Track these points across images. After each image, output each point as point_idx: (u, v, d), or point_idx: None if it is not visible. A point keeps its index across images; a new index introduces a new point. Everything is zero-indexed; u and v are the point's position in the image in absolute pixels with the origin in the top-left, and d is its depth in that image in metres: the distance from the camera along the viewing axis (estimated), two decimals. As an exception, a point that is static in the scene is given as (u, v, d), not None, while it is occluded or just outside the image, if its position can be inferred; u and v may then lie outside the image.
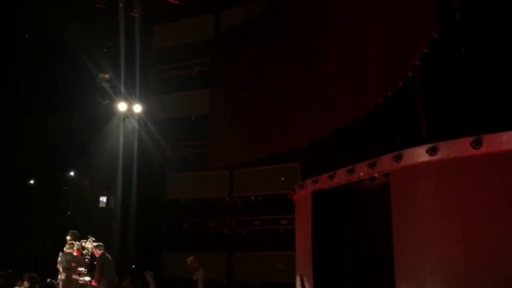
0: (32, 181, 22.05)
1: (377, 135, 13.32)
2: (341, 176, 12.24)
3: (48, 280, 11.51)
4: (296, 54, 15.44)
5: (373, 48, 12.17)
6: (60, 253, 10.06)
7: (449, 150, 9.55)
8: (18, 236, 18.31)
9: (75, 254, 10.00)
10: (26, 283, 13.35)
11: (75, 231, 10.68)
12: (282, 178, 17.30)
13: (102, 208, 21.12)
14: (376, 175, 11.25)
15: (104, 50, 19.57)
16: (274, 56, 16.28)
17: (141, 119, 19.74)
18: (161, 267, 19.10)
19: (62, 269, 9.89)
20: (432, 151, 9.62)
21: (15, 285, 12.66)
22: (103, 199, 21.06)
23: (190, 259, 13.06)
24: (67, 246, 10.04)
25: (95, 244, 10.13)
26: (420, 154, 9.95)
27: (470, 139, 9.13)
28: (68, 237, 10.54)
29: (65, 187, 22.04)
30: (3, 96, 18.97)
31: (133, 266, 19.46)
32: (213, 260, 18.34)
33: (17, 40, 18.95)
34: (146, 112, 19.76)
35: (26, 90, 18.82)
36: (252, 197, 18.29)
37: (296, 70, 15.24)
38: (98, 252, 9.99)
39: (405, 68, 11.02)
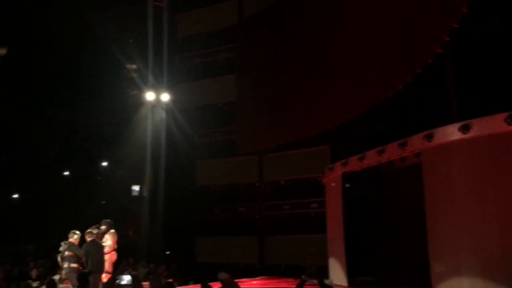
0: (66, 173, 22.62)
1: (406, 115, 13.13)
2: (371, 158, 12.17)
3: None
4: (321, 36, 15.27)
5: (401, 25, 11.93)
6: (62, 243, 10.09)
7: (482, 127, 9.38)
8: (53, 226, 18.83)
9: (75, 243, 9.96)
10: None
11: (108, 220, 10.82)
12: (310, 162, 17.24)
13: (134, 196, 21.51)
14: (407, 155, 11.14)
15: (131, 40, 19.77)
16: (299, 40, 16.13)
17: (168, 108, 19.93)
18: (194, 253, 19.41)
19: (60, 258, 9.91)
20: (464, 129, 9.47)
21: (55, 274, 13.04)
22: (136, 188, 21.44)
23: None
24: (70, 235, 10.04)
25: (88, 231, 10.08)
26: (452, 132, 9.80)
27: (504, 115, 8.95)
28: (102, 227, 10.67)
29: (98, 177, 22.54)
30: (34, 91, 19.45)
31: (167, 252, 19.84)
32: (244, 245, 18.56)
33: (46, 33, 19.31)
34: (173, 100, 19.93)
35: (57, 84, 19.21)
36: (282, 182, 18.33)
37: (322, 52, 15.08)
38: (87, 239, 9.71)
39: (434, 44, 10.78)
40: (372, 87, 13.25)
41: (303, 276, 5.38)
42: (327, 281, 12.67)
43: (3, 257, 16.73)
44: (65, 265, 9.55)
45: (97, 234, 9.87)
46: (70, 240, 9.85)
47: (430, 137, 10.14)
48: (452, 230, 9.71)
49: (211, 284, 5.56)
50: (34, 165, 20.71)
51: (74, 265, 9.47)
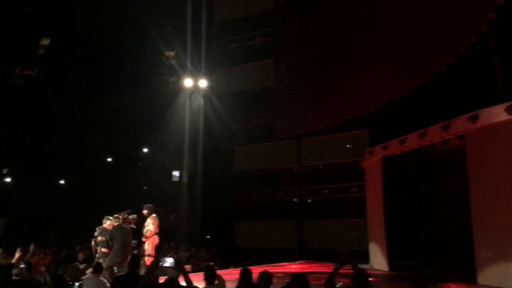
0: (109, 159, 23.23)
1: (449, 97, 12.74)
2: (412, 141, 11.92)
3: (135, 252, 12.13)
4: (360, 17, 14.94)
5: (444, 3, 11.52)
6: (97, 228, 10.37)
7: (530, 107, 8.99)
8: (98, 211, 19.43)
9: (108, 228, 10.21)
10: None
11: (150, 205, 11.05)
12: (349, 146, 17.02)
13: (175, 182, 21.88)
14: (451, 138, 10.83)
15: (168, 28, 19.93)
16: (336, 22, 15.83)
17: (206, 94, 20.08)
18: (233, 237, 19.63)
19: (94, 243, 10.21)
20: (511, 110, 9.10)
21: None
22: (176, 173, 21.78)
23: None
24: (103, 220, 10.33)
25: (115, 216, 10.31)
26: (498, 113, 9.45)
27: (554, 94, 8.54)
28: (144, 211, 10.93)
29: (140, 163, 23.03)
30: (77, 78, 19.96)
31: (208, 236, 20.15)
32: (284, 229, 18.61)
33: (86, 23, 19.72)
34: (211, 86, 20.05)
35: (99, 71, 19.64)
36: (320, 166, 18.21)
37: (361, 34, 14.76)
38: (114, 224, 10.10)
39: (479, 22, 10.35)
40: (413, 68, 12.89)
41: (336, 265, 5.27)
42: (366, 266, 12.60)
43: (51, 241, 17.44)
44: (98, 249, 9.88)
45: (123, 219, 10.13)
46: (104, 225, 10.17)
47: (474, 118, 9.82)
48: (498, 215, 9.41)
49: (251, 268, 5.57)
50: (79, 152, 21.34)
51: (104, 249, 9.80)
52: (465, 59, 11.19)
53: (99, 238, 10.00)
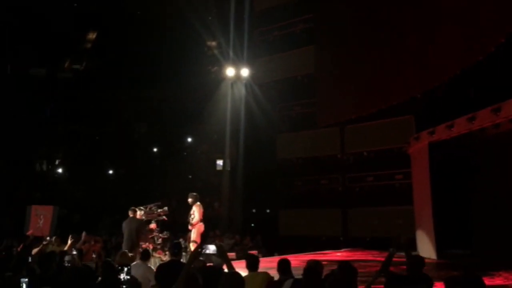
0: (154, 149, 23.75)
1: (498, 79, 12.20)
2: (461, 125, 11.53)
3: (181, 240, 12.40)
4: (405, 2, 14.53)
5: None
6: None
7: None
8: (145, 199, 19.94)
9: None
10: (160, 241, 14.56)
11: (194, 193, 11.23)
12: (394, 132, 16.64)
13: (219, 171, 22.13)
14: (502, 121, 10.40)
15: (210, 18, 20.04)
16: (379, 5, 15.45)
17: (248, 83, 20.11)
18: (277, 225, 19.69)
19: None
20: None
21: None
22: (220, 162, 22.02)
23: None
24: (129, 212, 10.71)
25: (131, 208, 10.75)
26: (552, 95, 8.98)
27: None
28: (189, 199, 11.12)
29: (184, 153, 23.42)
30: (123, 71, 20.46)
31: (252, 225, 20.31)
32: (328, 217, 18.49)
33: (131, 16, 20.14)
34: (252, 75, 20.06)
35: (142, 64, 20.04)
36: (365, 153, 17.89)
37: (407, 16, 14.35)
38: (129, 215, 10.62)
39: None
40: (461, 50, 12.44)
41: (391, 249, 5.16)
42: (414, 254, 12.34)
43: (102, 229, 18.07)
44: None
45: (146, 212, 10.72)
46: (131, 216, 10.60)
47: (527, 101, 9.38)
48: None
49: (292, 256, 5.57)
50: (126, 142, 21.94)
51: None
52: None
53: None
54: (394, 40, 14.74)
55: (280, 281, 5.22)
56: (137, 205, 11.13)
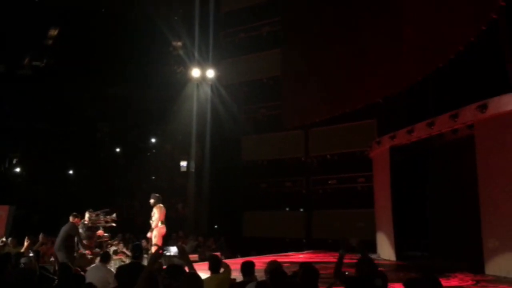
0: (118, 149, 23.33)
1: (458, 86, 12.61)
2: (421, 130, 11.83)
3: (142, 241, 12.26)
4: (370, 7, 14.81)
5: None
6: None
7: (540, 96, 8.87)
8: (107, 200, 19.57)
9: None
10: (121, 244, 14.34)
11: (157, 194, 11.12)
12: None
13: (183, 172, 21.95)
14: (459, 127, 10.74)
15: (175, 18, 19.87)
16: (346, 12, 15.71)
17: (214, 84, 20.04)
18: (241, 227, 19.70)
19: None
20: (521, 99, 8.99)
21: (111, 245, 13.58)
22: (184, 163, 21.85)
23: None
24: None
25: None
26: (507, 102, 9.34)
27: None
28: (151, 201, 11.00)
29: (148, 153, 23.11)
30: (85, 70, 20.02)
31: (216, 226, 20.24)
32: (291, 219, 18.64)
33: (94, 13, 19.74)
34: (218, 77, 20.02)
35: (106, 62, 19.67)
36: (328, 156, 18.14)
37: (370, 24, 14.64)
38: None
39: (488, 10, 10.21)
40: (422, 58, 12.79)
41: (340, 251, 5.26)
42: (373, 256, 12.58)
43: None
44: None
45: (88, 218, 10.67)
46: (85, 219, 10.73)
47: (483, 107, 9.71)
48: (506, 205, 9.34)
49: (255, 258, 5.59)
50: (89, 141, 21.46)
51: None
52: (475, 47, 11.07)
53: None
54: (359, 46, 15.02)
55: (243, 283, 5.21)
56: (95, 207, 11.02)
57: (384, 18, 14.14)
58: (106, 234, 11.45)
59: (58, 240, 9.64)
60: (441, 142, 12.10)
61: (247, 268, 5.41)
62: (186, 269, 4.76)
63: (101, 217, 11.09)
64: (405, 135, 12.45)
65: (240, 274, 5.48)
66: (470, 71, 11.85)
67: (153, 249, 10.39)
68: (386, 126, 14.53)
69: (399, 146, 12.85)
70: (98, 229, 11.12)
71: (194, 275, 3.98)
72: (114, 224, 11.48)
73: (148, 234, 10.92)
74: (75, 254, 9.72)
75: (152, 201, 10.90)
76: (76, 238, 9.84)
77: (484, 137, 10.01)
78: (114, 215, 11.41)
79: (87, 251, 10.22)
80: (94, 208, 11.35)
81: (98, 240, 11.11)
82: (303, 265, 5.01)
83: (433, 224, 13.01)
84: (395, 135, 12.86)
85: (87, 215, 10.75)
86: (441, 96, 13.14)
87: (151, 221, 10.85)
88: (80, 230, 10.29)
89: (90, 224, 10.73)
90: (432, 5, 12.21)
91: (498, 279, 9.17)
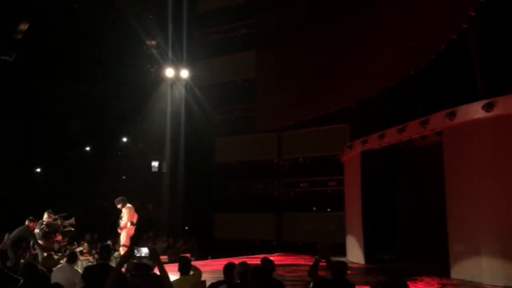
0: (88, 148, 22.91)
1: (428, 93, 12.89)
2: (391, 136, 12.02)
3: (109, 242, 12.08)
4: (344, 13, 14.99)
5: (424, 1, 11.61)
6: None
7: (507, 105, 9.14)
8: (77, 200, 19.18)
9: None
10: (86, 244, 14.09)
11: (121, 197, 10.96)
12: (329, 140, 17.11)
13: (154, 172, 21.74)
14: (428, 134, 10.96)
15: (150, 16, 19.66)
16: (321, 16, 15.86)
17: (188, 84, 19.93)
18: (213, 228, 19.62)
19: None
20: (488, 107, 9.22)
21: (77, 246, 13.34)
22: (155, 163, 21.65)
23: None
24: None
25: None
26: (475, 111, 9.57)
27: (529, 93, 8.69)
28: (118, 205, 10.88)
29: (119, 153, 22.77)
30: (56, 66, 19.59)
31: (186, 227, 20.10)
32: (262, 221, 18.67)
33: (67, 9, 19.36)
34: (193, 77, 19.91)
35: (78, 60, 19.31)
36: (300, 159, 18.27)
37: (344, 29, 14.81)
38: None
39: (459, 19, 10.47)
40: (394, 65, 13.01)
41: (316, 257, 5.36)
42: (343, 259, 12.71)
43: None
44: None
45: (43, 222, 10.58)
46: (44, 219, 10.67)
47: (452, 115, 9.93)
48: (471, 210, 9.58)
49: (226, 260, 5.59)
50: (58, 140, 20.99)
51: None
52: (445, 56, 11.33)
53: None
54: (332, 51, 15.18)
55: (218, 283, 5.21)
56: (63, 206, 10.87)
57: (358, 24, 14.33)
58: (64, 239, 11.35)
59: (10, 242, 9.55)
60: (411, 147, 12.33)
61: (229, 270, 5.39)
62: (156, 270, 4.71)
63: (59, 222, 10.91)
64: (376, 140, 12.63)
65: (211, 276, 5.46)
66: (441, 78, 12.13)
67: (122, 250, 10.26)
68: (358, 130, 14.72)
69: (370, 151, 13.02)
70: (56, 233, 10.97)
71: (163, 277, 3.94)
72: (72, 229, 11.33)
73: (119, 230, 10.78)
74: (27, 256, 9.73)
75: (119, 205, 10.79)
76: (31, 241, 9.92)
77: (452, 144, 10.24)
78: (73, 219, 11.27)
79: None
80: (59, 208, 11.17)
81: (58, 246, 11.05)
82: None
83: (402, 227, 13.23)
84: (367, 140, 13.03)
85: (45, 215, 10.57)
86: (413, 102, 13.41)
87: (120, 221, 10.72)
88: (37, 230, 10.22)
89: (46, 229, 10.56)
90: (405, 14, 12.44)
91: (463, 283, 9.39)
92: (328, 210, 16.86)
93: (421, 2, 11.85)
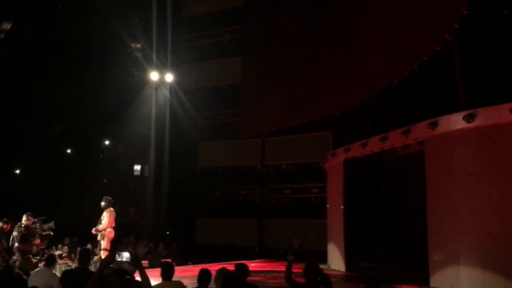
0: (69, 150, 22.62)
1: (411, 103, 13.03)
2: (374, 144, 12.12)
3: (89, 246, 11.93)
4: (329, 22, 15.12)
5: (410, 11, 11.77)
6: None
7: (487, 116, 9.28)
8: (57, 203, 18.91)
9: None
10: (65, 248, 13.89)
11: (109, 197, 10.88)
12: (313, 147, 17.18)
13: (136, 176, 21.56)
14: (411, 143, 11.08)
15: (136, 19, 19.58)
16: (306, 23, 15.97)
17: (172, 88, 19.85)
18: (194, 233, 19.50)
19: None
20: (469, 118, 9.36)
21: (55, 249, 13.15)
22: (137, 167, 21.48)
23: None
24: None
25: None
26: (456, 121, 9.71)
27: (509, 105, 8.84)
28: (102, 203, 10.77)
29: (101, 156, 22.53)
30: (39, 67, 19.34)
31: (167, 232, 19.94)
32: (244, 227, 18.62)
33: (51, 10, 19.16)
34: (177, 81, 19.84)
35: (61, 61, 19.09)
36: (284, 166, 18.31)
37: (329, 37, 14.93)
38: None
39: (442, 31, 10.63)
40: (378, 74, 13.15)
41: (288, 256, 5.33)
42: (324, 266, 12.73)
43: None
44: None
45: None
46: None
47: (434, 125, 10.06)
48: (452, 219, 9.69)
49: (209, 266, 5.55)
50: (38, 141, 20.68)
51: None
52: (428, 66, 11.47)
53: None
54: (317, 59, 15.28)
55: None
56: (42, 208, 10.74)
57: (342, 33, 14.46)
58: (43, 242, 11.20)
59: None
60: (393, 156, 12.43)
61: (205, 276, 5.33)
62: (137, 275, 4.65)
63: (38, 225, 10.76)
64: (359, 148, 12.72)
65: (191, 281, 5.40)
66: (424, 88, 12.28)
67: (103, 254, 10.14)
68: (341, 138, 14.80)
69: (353, 159, 13.10)
70: (35, 236, 10.81)
71: (144, 283, 3.90)
72: (51, 233, 11.19)
73: (93, 231, 10.67)
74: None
75: (103, 204, 10.66)
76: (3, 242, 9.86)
77: (433, 154, 10.36)
78: (52, 223, 11.13)
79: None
80: (38, 211, 11.02)
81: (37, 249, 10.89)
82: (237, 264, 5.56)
83: (383, 235, 13.31)
84: (350, 148, 13.11)
85: (24, 217, 10.42)
86: (396, 111, 13.54)
87: (98, 224, 10.61)
88: (15, 233, 10.11)
89: (24, 232, 10.41)
90: (389, 24, 12.59)
91: (442, 292, 9.48)
92: (310, 217, 16.85)
93: (406, 13, 12.00)
